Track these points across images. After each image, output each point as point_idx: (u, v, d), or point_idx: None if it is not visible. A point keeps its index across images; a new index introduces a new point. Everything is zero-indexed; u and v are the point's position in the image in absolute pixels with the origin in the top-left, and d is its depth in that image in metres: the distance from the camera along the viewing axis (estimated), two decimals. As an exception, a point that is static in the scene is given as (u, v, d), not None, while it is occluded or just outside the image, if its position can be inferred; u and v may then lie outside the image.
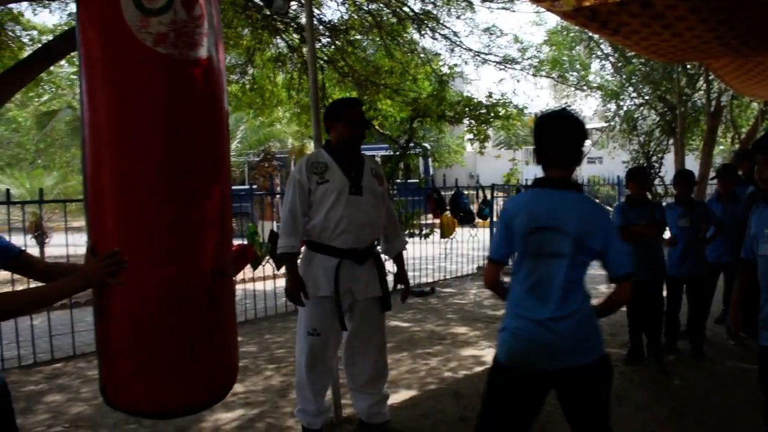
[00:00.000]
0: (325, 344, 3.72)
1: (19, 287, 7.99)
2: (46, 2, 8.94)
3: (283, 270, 4.15)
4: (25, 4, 8.91)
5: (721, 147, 20.02)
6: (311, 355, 3.71)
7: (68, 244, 6.00)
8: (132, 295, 2.20)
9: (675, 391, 4.80)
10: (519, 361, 2.53)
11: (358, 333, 3.80)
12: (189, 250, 2.27)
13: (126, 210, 2.21)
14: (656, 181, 15.36)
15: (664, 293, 5.46)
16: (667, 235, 5.54)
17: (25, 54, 8.79)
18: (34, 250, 10.49)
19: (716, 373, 5.09)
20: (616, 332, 6.05)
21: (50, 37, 9.51)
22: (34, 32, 9.88)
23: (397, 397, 4.58)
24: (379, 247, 3.99)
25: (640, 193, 5.29)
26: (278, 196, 11.36)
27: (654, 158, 15.71)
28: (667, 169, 14.90)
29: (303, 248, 3.81)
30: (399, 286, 4.02)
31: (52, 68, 9.64)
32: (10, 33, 8.68)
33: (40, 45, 9.13)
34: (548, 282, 2.50)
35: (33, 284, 2.17)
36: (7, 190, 6.50)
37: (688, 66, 13.09)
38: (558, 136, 2.60)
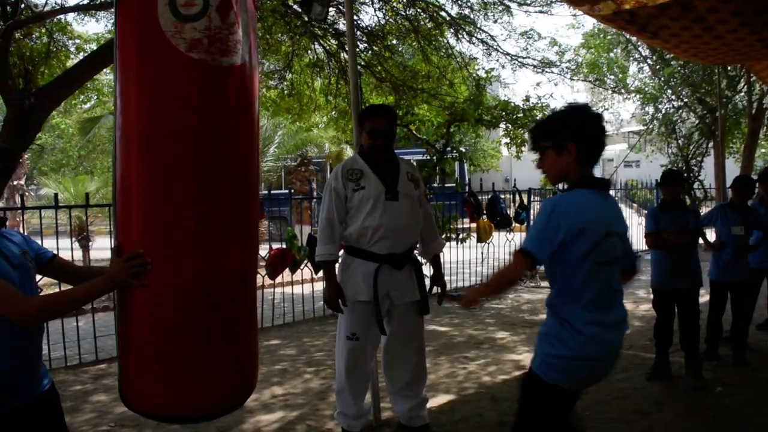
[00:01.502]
0: (364, 348, 3.76)
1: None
2: (93, 12, 9.16)
3: (321, 273, 4.19)
4: (72, 14, 9.14)
5: (763, 150, 19.64)
6: (351, 359, 3.76)
7: (111, 247, 6.13)
8: (154, 296, 2.22)
9: (716, 398, 4.73)
10: (586, 383, 2.47)
11: (397, 337, 3.83)
12: (212, 252, 2.27)
13: (152, 211, 2.23)
14: (695, 185, 15.13)
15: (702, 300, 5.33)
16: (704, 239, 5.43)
17: (71, 62, 9.02)
18: (78, 253, 10.76)
19: (759, 380, 5.00)
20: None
21: (93, 46, 9.74)
22: (78, 41, 10.11)
23: (435, 401, 4.60)
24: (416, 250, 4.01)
25: (674, 198, 5.06)
26: (314, 200, 11.46)
27: (693, 161, 15.49)
28: (707, 173, 14.68)
29: (341, 252, 3.85)
30: (435, 288, 4.03)
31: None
32: (59, 43, 8.91)
33: (84, 53, 9.37)
34: (611, 290, 2.41)
35: (63, 287, 2.20)
36: (56, 194, 6.69)
37: (729, 68, 12.88)
38: (603, 134, 2.46)
